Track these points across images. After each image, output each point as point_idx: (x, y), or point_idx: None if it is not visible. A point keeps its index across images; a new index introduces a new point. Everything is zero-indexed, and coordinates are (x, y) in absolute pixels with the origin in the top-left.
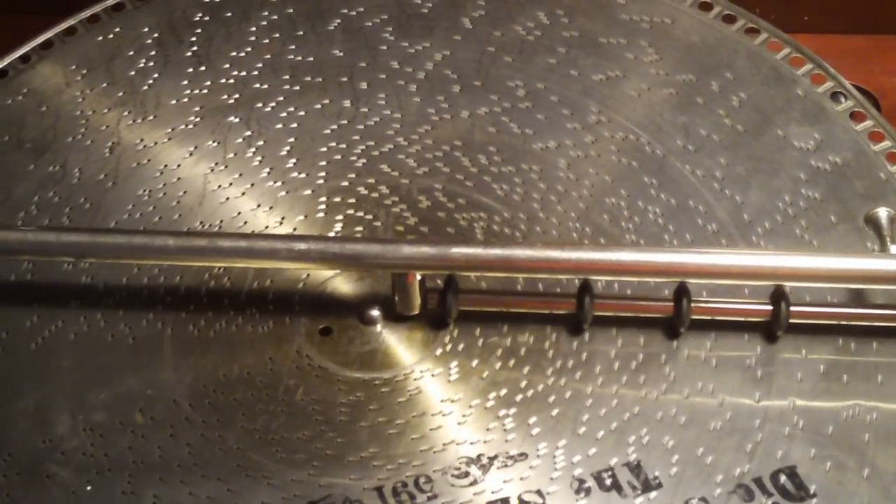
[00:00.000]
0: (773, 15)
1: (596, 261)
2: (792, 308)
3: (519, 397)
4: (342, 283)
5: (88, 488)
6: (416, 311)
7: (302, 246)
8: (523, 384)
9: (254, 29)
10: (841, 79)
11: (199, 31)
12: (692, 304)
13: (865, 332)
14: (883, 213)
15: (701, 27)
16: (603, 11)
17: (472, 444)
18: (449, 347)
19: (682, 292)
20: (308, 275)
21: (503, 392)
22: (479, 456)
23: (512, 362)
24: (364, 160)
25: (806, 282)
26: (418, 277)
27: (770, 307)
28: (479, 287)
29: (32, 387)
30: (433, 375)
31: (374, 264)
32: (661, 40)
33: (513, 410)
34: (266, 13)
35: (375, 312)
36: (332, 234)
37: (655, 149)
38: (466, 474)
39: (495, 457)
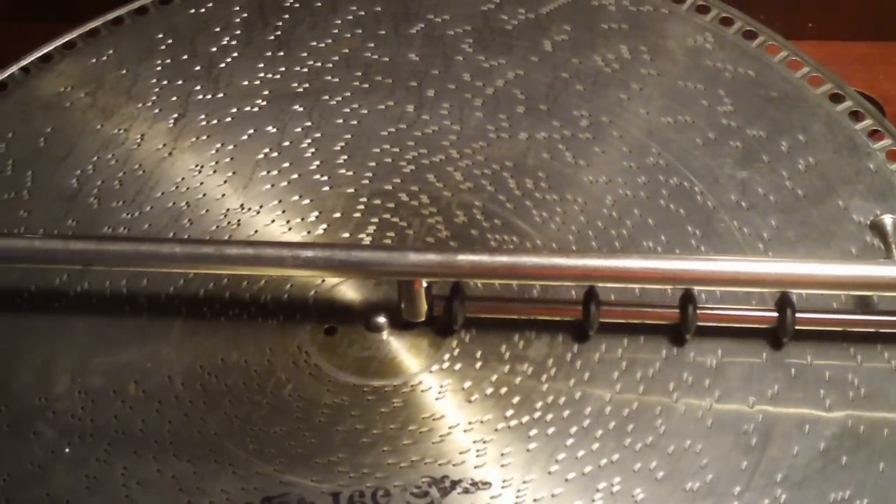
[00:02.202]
0: (777, 22)
1: (601, 268)
2: (798, 315)
3: (501, 425)
4: (356, 287)
5: (67, 450)
6: (423, 318)
7: (308, 254)
8: (509, 413)
9: (339, 21)
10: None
11: (286, 16)
12: (698, 311)
13: (872, 339)
14: (888, 219)
15: (784, 84)
16: (688, 55)
17: (440, 464)
18: (446, 365)
19: (687, 299)
20: None
21: (487, 418)
22: (443, 478)
23: (504, 390)
24: (413, 167)
25: (811, 289)
26: (424, 284)
27: (776, 314)
28: (486, 294)
29: (45, 343)
30: (422, 391)
31: (381, 272)
32: (741, 92)
33: (490, 438)
34: (354, 7)
35: (382, 319)
36: (362, 236)
37: (707, 200)
38: (425, 494)
39: (459, 481)
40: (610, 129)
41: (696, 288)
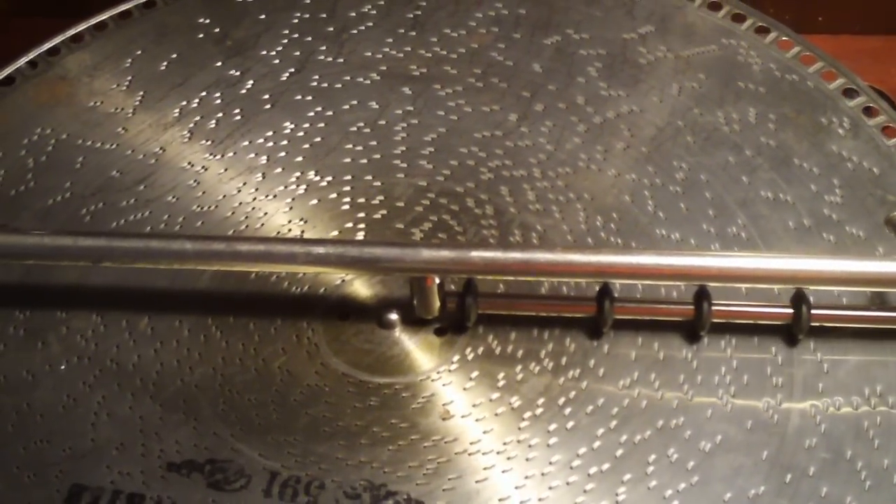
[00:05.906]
0: (787, 16)
1: (615, 264)
2: (813, 311)
3: (461, 449)
4: (378, 281)
5: (62, 367)
6: (435, 315)
7: (320, 250)
8: (474, 439)
9: (479, 15)
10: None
11: None
12: (712, 308)
13: (887, 335)
14: None
15: None
16: (816, 135)
17: (385, 472)
18: (437, 376)
19: (702, 296)
20: None
21: (453, 440)
22: (380, 485)
23: (483, 416)
24: (491, 175)
25: (826, 285)
26: (437, 281)
27: (791, 310)
28: (498, 291)
29: (89, 263)
30: (402, 396)
31: (393, 268)
32: (856, 186)
33: (445, 460)
34: (499, 5)
35: (394, 316)
36: (414, 231)
37: None
38: (357, 496)
39: (394, 493)
40: (703, 188)
41: (710, 284)
